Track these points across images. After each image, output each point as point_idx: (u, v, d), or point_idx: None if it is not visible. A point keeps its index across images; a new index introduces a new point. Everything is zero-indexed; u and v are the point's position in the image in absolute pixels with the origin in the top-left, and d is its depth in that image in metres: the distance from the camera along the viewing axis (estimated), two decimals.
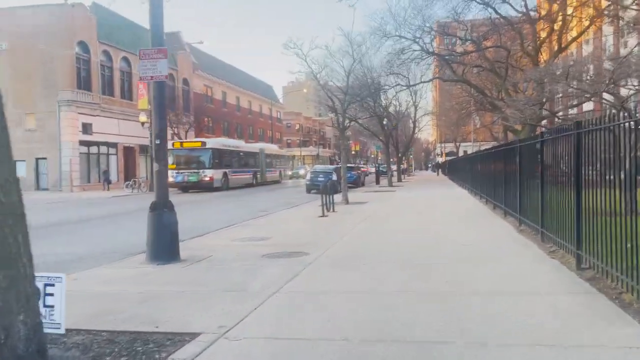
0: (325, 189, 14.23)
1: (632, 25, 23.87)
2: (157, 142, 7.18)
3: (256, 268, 6.45)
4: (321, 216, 13.07)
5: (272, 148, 45.52)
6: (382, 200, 18.37)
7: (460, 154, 76.82)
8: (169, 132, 39.12)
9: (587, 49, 47.16)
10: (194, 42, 41.84)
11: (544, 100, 14.27)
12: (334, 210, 14.36)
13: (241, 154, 35.71)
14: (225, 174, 30.96)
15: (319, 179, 25.94)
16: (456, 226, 10.23)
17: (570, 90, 10.81)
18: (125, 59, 38.95)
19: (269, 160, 41.50)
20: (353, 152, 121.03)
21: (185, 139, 40.32)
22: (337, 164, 55.58)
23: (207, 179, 29.03)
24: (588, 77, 10.56)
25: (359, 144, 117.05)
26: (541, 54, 25.85)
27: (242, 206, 18.76)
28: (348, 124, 18.77)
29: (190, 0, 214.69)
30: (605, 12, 24.65)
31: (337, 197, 18.20)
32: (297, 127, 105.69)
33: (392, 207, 15.62)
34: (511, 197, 10.42)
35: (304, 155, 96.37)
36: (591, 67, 12.16)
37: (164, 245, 7.04)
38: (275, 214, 14.27)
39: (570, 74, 10.44)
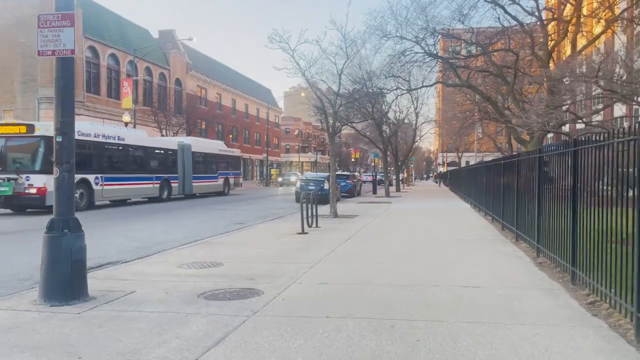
0: (307, 199, 12.34)
1: None
2: (59, 139, 5.31)
3: (177, 320, 4.58)
4: (300, 233, 11.19)
5: (207, 145, 31.72)
6: (375, 214, 16.50)
7: (463, 164, 75.16)
8: (156, 132, 37.37)
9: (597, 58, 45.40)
10: (184, 38, 39.99)
11: (569, 102, 12.40)
12: (317, 226, 12.48)
13: (130, 150, 23.07)
14: (86, 183, 19.32)
15: (310, 187, 24.06)
16: (457, 254, 8.34)
17: (597, 91, 8.99)
18: (113, 56, 37.24)
19: (202, 162, 29.32)
20: (353, 160, 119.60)
21: None
22: (342, 172, 53.82)
23: (32, 191, 17.09)
24: (619, 76, 8.77)
25: (359, 151, 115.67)
26: (553, 59, 24.04)
27: (217, 217, 16.89)
28: (339, 128, 16.89)
29: (192, 2, 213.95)
30: (622, 16, 22.91)
31: (326, 209, 16.36)
32: (296, 132, 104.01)
33: (384, 224, 13.74)
34: (526, 218, 8.55)
35: (302, 162, 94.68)
36: (617, 66, 10.32)
37: (61, 279, 5.17)
38: (247, 230, 12.39)
39: (600, 71, 8.67)
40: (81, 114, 33.50)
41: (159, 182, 24.70)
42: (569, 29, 21.40)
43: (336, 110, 15.80)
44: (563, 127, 21.66)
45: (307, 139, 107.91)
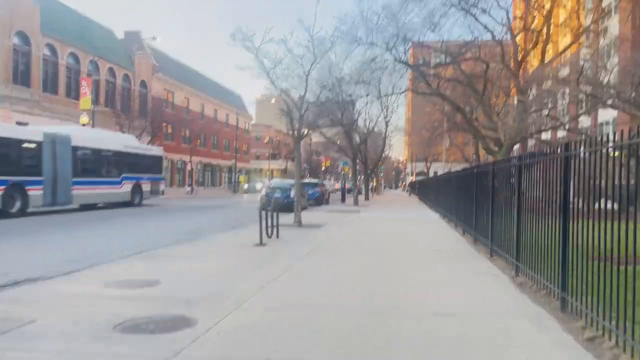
0: (266, 207, 11.37)
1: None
2: None
3: None
4: (258, 245, 10.20)
5: (103, 138, 24.01)
6: (341, 224, 15.63)
7: (431, 174, 75.40)
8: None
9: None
10: (147, 38, 38.58)
11: (549, 107, 11.82)
12: (277, 237, 11.52)
13: None
14: None
15: (276, 195, 23.07)
16: (428, 272, 7.52)
17: (581, 96, 8.36)
18: (73, 55, 35.52)
19: (92, 162, 22.32)
20: (323, 168, 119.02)
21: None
22: (310, 179, 52.78)
23: None
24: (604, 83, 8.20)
25: (330, 159, 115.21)
26: (522, 69, 23.82)
27: (171, 226, 15.73)
28: (305, 133, 16.01)
29: (164, 7, 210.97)
30: (589, 29, 22.92)
31: (291, 218, 15.41)
32: (267, 139, 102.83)
33: (350, 234, 12.87)
34: (502, 232, 7.81)
35: (272, 169, 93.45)
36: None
37: None
38: (200, 241, 11.32)
39: (583, 75, 8.03)
40: (37, 114, 31.73)
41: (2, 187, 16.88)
42: (539, 39, 21.18)
43: (302, 114, 14.91)
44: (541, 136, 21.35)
45: (277, 146, 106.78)
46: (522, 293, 5.82)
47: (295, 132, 14.89)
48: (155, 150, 28.71)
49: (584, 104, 18.90)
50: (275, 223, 11.70)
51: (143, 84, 45.01)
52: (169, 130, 49.89)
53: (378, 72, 25.53)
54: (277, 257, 8.66)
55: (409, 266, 7.88)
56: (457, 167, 59.93)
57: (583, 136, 23.15)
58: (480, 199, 10.01)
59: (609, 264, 3.89)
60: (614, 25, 25.86)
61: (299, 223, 14.64)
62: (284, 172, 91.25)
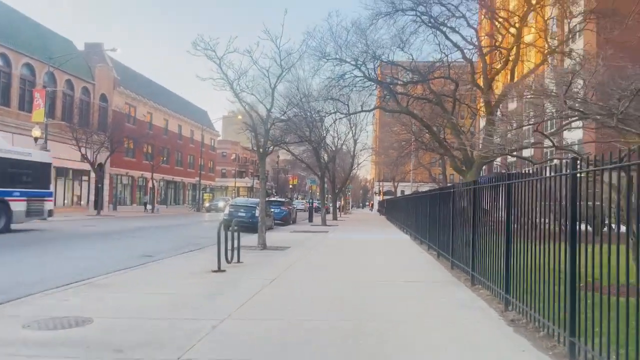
0: (229, 228, 10.39)
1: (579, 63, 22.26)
2: None
3: None
4: (215, 271, 9.20)
5: None
6: (308, 246, 14.74)
7: (398, 193, 75.47)
8: (74, 150, 34.00)
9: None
10: (107, 49, 37.09)
11: (532, 121, 11.30)
12: (239, 261, 10.52)
13: None
14: None
15: (240, 214, 22.06)
16: (405, 305, 6.71)
17: (567, 111, 7.85)
18: (28, 65, 33.73)
19: None
20: (290, 187, 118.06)
21: (94, 160, 35.28)
22: (276, 198, 51.50)
23: None
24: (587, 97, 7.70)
25: (297, 177, 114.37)
26: (492, 89, 23.69)
27: (123, 247, 14.50)
28: (270, 149, 15.15)
29: (131, 21, 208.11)
30: (557, 50, 23.06)
31: (254, 239, 14.42)
32: (233, 156, 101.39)
33: (318, 259, 11.99)
34: (486, 260, 7.09)
35: (238, 187, 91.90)
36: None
37: None
38: (152, 266, 10.24)
39: (571, 87, 7.53)
40: None
41: None
42: (509, 57, 21.08)
43: (267, 129, 14.06)
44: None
45: (244, 164, 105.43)
46: (517, 334, 5.05)
47: (261, 148, 14.00)
48: (38, 155, 21.06)
49: (552, 122, 18.87)
50: (236, 245, 10.73)
51: (103, 97, 43.29)
52: (130, 146, 48.08)
53: (347, 89, 25.04)
54: (235, 287, 7.69)
55: (384, 298, 7.05)
56: (425, 187, 60.02)
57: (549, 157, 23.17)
58: (457, 221, 9.33)
59: (625, 299, 3.16)
60: (579, 46, 26.22)
61: (262, 245, 13.68)
62: (251, 190, 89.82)
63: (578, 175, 4.04)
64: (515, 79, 22.58)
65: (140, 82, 53.18)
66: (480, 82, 23.03)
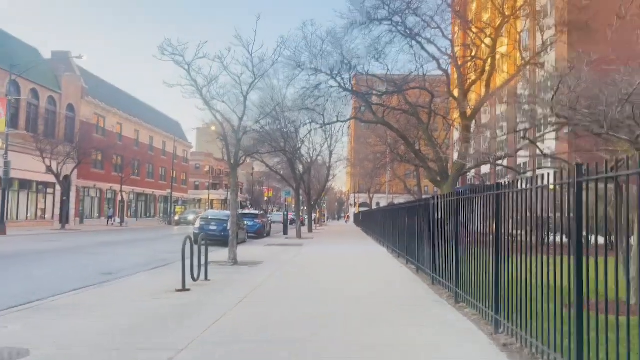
0: (196, 243, 9.67)
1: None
2: None
3: None
4: (180, 290, 8.47)
5: None
6: (282, 261, 14.07)
7: (374, 205, 75.34)
8: (38, 162, 32.61)
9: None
10: (74, 56, 35.82)
11: (524, 127, 10.93)
12: (206, 278, 9.81)
13: None
14: None
15: (212, 227, 21.27)
16: (386, 328, 6.14)
17: (554, 118, 7.49)
18: None
19: None
20: (265, 199, 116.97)
21: (60, 171, 33.88)
22: (250, 210, 50.41)
23: None
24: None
25: (272, 190, 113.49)
26: (467, 99, 23.58)
27: (83, 264, 13.58)
28: (242, 159, 14.49)
29: (101, 30, 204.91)
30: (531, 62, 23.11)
31: (225, 254, 13.68)
32: (207, 168, 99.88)
33: (291, 276, 11.34)
34: (471, 275, 6.59)
35: (212, 199, 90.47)
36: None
37: None
38: (112, 284, 9.45)
39: (557, 94, 7.18)
40: None
41: None
42: (485, 68, 20.99)
43: (239, 138, 13.41)
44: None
45: (218, 176, 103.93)
46: (509, 357, 4.52)
47: (232, 158, 13.34)
48: None
49: (523, 133, 18.81)
50: (204, 261, 10.01)
51: (70, 107, 41.87)
52: (99, 158, 46.60)
53: (322, 99, 24.59)
54: (201, 309, 6.99)
55: (363, 319, 6.46)
56: (400, 198, 59.95)
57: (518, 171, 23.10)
58: (440, 234, 8.83)
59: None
60: (552, 59, 26.44)
61: (233, 261, 12.95)
62: (225, 203, 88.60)
63: (584, 183, 3.55)
64: (490, 90, 22.53)
65: (110, 91, 51.82)
66: (456, 93, 22.89)
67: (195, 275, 9.33)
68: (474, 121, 23.22)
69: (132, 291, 8.55)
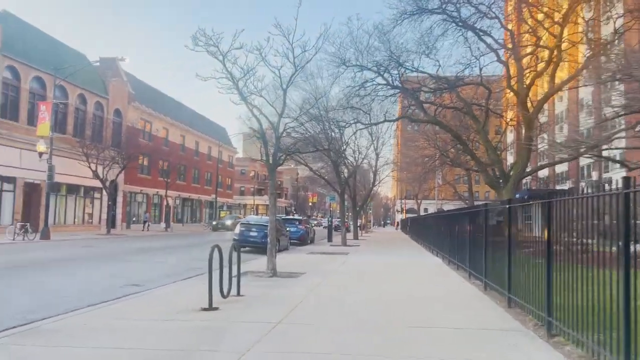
0: (237, 250, 8.39)
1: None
2: None
3: None
4: (206, 309, 7.20)
5: None
6: (326, 272, 12.66)
7: (422, 211, 72.84)
8: (85, 167, 32.70)
9: (561, 105, 44.29)
10: (117, 58, 35.85)
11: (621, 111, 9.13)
12: (238, 293, 8.52)
13: None
14: None
15: (252, 233, 20.16)
16: None
17: None
18: (38, 79, 32.71)
19: None
20: (310, 204, 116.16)
21: (106, 176, 33.89)
22: (293, 215, 49.30)
23: None
24: None
25: (317, 195, 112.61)
26: (530, 99, 21.47)
27: (110, 274, 12.61)
28: (282, 159, 13.21)
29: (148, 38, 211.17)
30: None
31: (262, 264, 12.43)
32: (252, 174, 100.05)
33: (337, 291, 9.88)
34: (583, 299, 4.93)
35: (257, 204, 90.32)
36: None
37: None
38: (134, 299, 8.31)
39: None
40: None
41: None
42: (552, 59, 18.86)
43: (278, 136, 12.14)
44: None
45: (263, 181, 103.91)
46: None
47: (270, 158, 12.07)
48: None
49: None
50: (236, 273, 8.74)
51: (117, 112, 42.19)
52: (145, 163, 46.82)
53: (368, 97, 23.07)
54: (224, 338, 5.65)
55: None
56: (449, 205, 57.38)
57: None
58: (520, 245, 7.17)
59: None
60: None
61: (272, 271, 11.66)
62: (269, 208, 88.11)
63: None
64: (556, 83, 20.35)
65: (156, 97, 52.21)
66: (516, 87, 20.83)
67: (226, 291, 8.05)
68: (537, 120, 21.11)
69: (151, 309, 7.34)
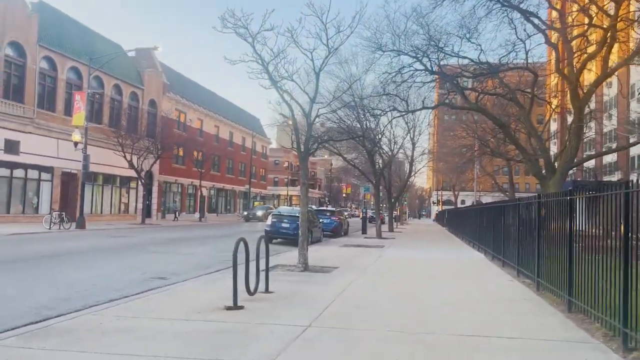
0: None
1: None
2: None
3: None
4: (230, 307, 6.61)
5: None
6: (361, 267, 11.93)
7: (459, 203, 71.00)
8: (121, 157, 32.91)
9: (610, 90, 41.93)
10: (149, 47, 35.75)
11: None
12: (267, 290, 7.92)
13: None
14: None
15: (284, 225, 19.62)
16: None
17: None
18: (74, 69, 33.02)
19: None
20: (344, 195, 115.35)
21: (141, 166, 34.05)
22: (327, 207, 48.56)
23: None
24: None
25: (351, 186, 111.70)
26: (580, 85, 19.98)
27: (140, 265, 12.23)
28: (313, 147, 12.52)
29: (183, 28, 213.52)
30: None
31: (293, 257, 11.82)
32: (286, 164, 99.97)
33: (371, 287, 9.15)
34: None
35: (290, 195, 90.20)
36: None
37: None
38: (159, 293, 7.81)
39: None
40: (30, 132, 29.11)
41: None
42: (606, 39, 17.38)
43: (310, 122, 11.43)
44: None
45: (297, 172, 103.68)
46: None
47: (302, 145, 11.39)
48: None
49: None
50: (264, 266, 8.12)
51: (152, 103, 42.40)
52: (180, 153, 47.05)
53: (405, 84, 22.05)
54: (248, 344, 5.02)
55: None
56: (487, 197, 55.43)
57: None
58: (579, 241, 6.25)
59: None
60: None
61: (303, 265, 11.02)
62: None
63: None
64: (610, 66, 18.85)
65: (190, 87, 52.35)
66: (566, 71, 19.43)
67: (254, 287, 7.45)
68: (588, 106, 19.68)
69: (172, 307, 6.79)
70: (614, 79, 39.17)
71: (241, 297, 6.97)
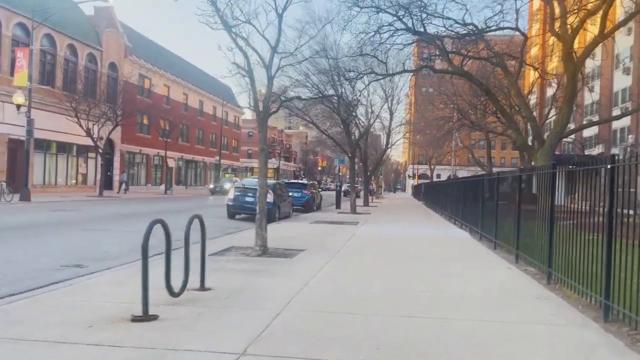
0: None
1: None
2: None
3: None
4: (137, 318, 4.69)
5: None
6: (330, 249, 10.12)
7: (434, 177, 70.04)
8: (74, 123, 30.19)
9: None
10: (108, 5, 32.56)
11: None
12: (202, 287, 6.03)
13: None
14: None
15: (248, 199, 17.66)
16: None
17: None
18: (21, 25, 29.85)
19: None
20: (320, 168, 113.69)
21: (98, 135, 31.36)
22: (302, 180, 46.41)
23: None
24: None
25: (326, 159, 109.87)
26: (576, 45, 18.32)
27: (58, 247, 10.17)
28: (275, 105, 10.52)
29: None
30: None
31: (253, 237, 9.90)
32: None
33: (344, 279, 7.32)
34: None
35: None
36: None
37: None
38: (62, 288, 5.83)
39: None
40: None
41: None
42: None
43: (271, 76, 9.39)
44: None
45: (271, 144, 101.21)
46: None
47: (260, 103, 9.36)
48: None
49: None
50: (200, 255, 6.22)
51: (112, 66, 39.32)
52: (145, 121, 44.23)
53: (383, 47, 20.06)
54: None
55: None
56: (463, 171, 54.33)
57: None
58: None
59: None
60: None
61: (261, 248, 9.15)
62: (277, 172, 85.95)
63: None
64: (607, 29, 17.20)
65: (156, 51, 49.06)
66: (559, 32, 17.70)
67: (181, 284, 5.55)
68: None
69: (57, 314, 4.83)
70: (597, 50, 37.81)
71: (164, 299, 5.09)
